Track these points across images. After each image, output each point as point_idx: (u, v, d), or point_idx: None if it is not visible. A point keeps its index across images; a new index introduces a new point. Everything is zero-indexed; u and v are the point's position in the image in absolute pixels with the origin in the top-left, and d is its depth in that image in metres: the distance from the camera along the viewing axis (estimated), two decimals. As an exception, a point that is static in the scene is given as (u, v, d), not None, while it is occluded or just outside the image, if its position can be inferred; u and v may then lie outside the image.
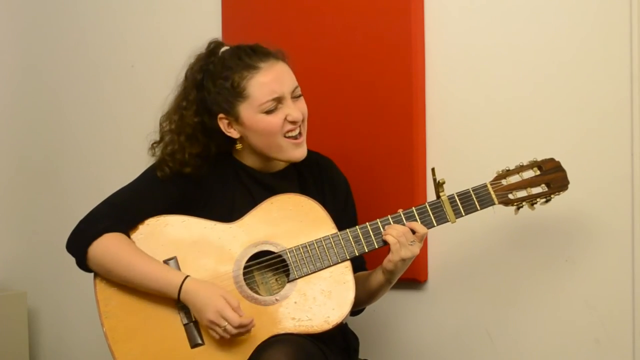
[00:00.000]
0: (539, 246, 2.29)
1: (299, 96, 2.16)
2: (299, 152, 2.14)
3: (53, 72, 3.35)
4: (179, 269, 2.07)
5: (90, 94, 3.24)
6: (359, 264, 2.24)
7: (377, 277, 2.12)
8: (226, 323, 1.97)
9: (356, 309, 2.23)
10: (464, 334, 2.42)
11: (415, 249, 2.04)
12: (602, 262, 2.20)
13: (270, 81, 2.11)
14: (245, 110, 2.11)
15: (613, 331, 2.19)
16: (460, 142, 2.40)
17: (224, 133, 2.15)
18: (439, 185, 2.07)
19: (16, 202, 3.49)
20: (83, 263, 2.08)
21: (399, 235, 2.03)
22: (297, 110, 2.12)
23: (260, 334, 2.01)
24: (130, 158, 3.01)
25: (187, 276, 2.02)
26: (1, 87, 3.51)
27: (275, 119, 2.11)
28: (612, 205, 2.18)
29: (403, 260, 2.04)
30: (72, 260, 2.11)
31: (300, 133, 2.14)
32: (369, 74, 2.49)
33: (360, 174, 2.41)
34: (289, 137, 2.12)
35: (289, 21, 2.64)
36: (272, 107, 2.11)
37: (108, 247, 2.05)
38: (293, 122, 2.12)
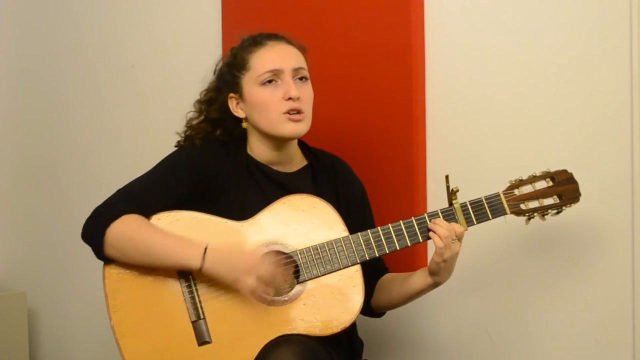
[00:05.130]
0: (539, 246, 2.28)
1: (304, 80, 2.18)
2: (292, 127, 2.13)
3: (53, 72, 3.35)
4: None
5: (90, 94, 3.24)
6: (380, 267, 2.25)
7: (420, 279, 2.12)
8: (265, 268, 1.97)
9: (386, 310, 2.26)
10: (465, 334, 2.42)
11: (456, 248, 2.05)
12: (602, 262, 2.20)
13: (271, 55, 2.16)
14: (247, 84, 2.16)
15: (613, 331, 2.19)
16: (460, 142, 2.40)
17: (233, 115, 2.19)
18: (452, 193, 2.07)
19: (16, 202, 3.49)
20: (100, 248, 2.04)
21: (445, 236, 2.03)
22: (294, 88, 2.13)
23: (269, 334, 2.01)
24: (130, 158, 3.02)
25: (207, 246, 2.00)
26: (1, 87, 3.52)
27: (273, 95, 2.13)
28: (612, 205, 2.18)
29: (445, 260, 2.04)
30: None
31: (299, 112, 2.14)
32: (369, 74, 2.49)
33: (360, 174, 2.40)
34: (286, 114, 2.13)
35: (288, 21, 2.64)
36: (270, 79, 2.14)
37: (127, 227, 2.02)
38: (290, 99, 2.12)
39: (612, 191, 2.18)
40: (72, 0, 3.29)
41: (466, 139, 2.39)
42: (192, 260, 1.99)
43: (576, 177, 2.08)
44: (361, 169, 2.44)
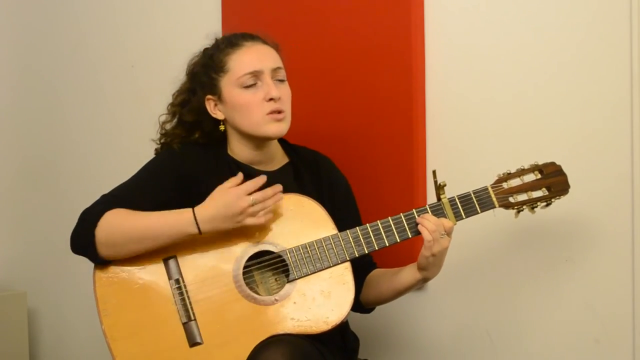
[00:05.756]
0: (539, 246, 2.28)
1: (282, 80, 2.19)
2: (275, 127, 2.14)
3: (53, 72, 3.35)
4: (178, 268, 2.07)
5: (90, 94, 3.25)
6: (368, 262, 2.25)
7: (409, 275, 2.12)
8: (250, 198, 1.99)
9: (375, 306, 2.26)
10: (464, 334, 2.42)
11: (445, 243, 2.04)
12: (602, 262, 2.20)
13: (250, 57, 2.16)
14: (226, 86, 2.16)
15: (613, 331, 2.19)
16: (460, 142, 2.40)
17: (211, 117, 2.19)
18: (439, 188, 2.07)
19: (16, 202, 3.49)
20: (94, 251, 2.05)
21: (433, 230, 2.03)
22: (275, 89, 2.14)
23: (259, 334, 2.01)
24: (130, 158, 3.01)
25: (194, 208, 2.03)
26: (1, 87, 3.52)
27: (254, 97, 2.14)
28: (612, 205, 2.18)
29: (434, 255, 2.04)
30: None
31: (281, 111, 2.15)
32: (369, 74, 2.49)
33: (360, 174, 2.41)
34: (269, 115, 2.14)
35: (288, 21, 2.64)
36: (250, 82, 2.14)
37: (112, 222, 2.04)
38: (271, 100, 2.13)
39: (612, 191, 2.18)
40: (72, 0, 3.29)
41: (466, 139, 2.39)
42: (188, 227, 2.02)
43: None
44: (361, 168, 2.44)
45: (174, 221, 2.03)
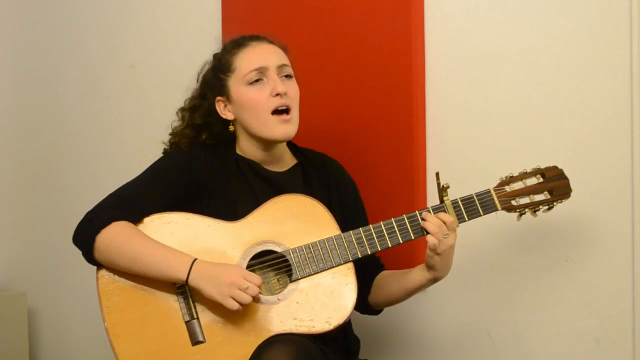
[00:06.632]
0: (539, 247, 2.28)
1: (289, 76, 2.20)
2: (284, 129, 2.15)
3: (53, 72, 3.35)
4: None
5: (90, 94, 3.25)
6: (376, 264, 2.25)
7: (419, 275, 2.12)
8: (248, 284, 1.95)
9: (384, 307, 2.26)
10: (464, 334, 2.42)
11: (450, 240, 2.05)
12: (602, 263, 2.20)
13: (255, 55, 2.19)
14: (233, 85, 2.18)
15: (613, 331, 2.19)
16: (460, 142, 2.40)
17: (220, 119, 2.20)
18: (443, 190, 2.07)
19: (16, 202, 3.49)
20: (90, 254, 2.06)
21: (436, 232, 2.03)
22: (281, 84, 2.15)
23: (262, 334, 2.01)
24: (130, 158, 3.02)
25: (196, 259, 2.01)
26: (1, 87, 3.52)
27: (260, 94, 2.15)
28: (612, 205, 2.18)
29: (439, 254, 2.04)
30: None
31: (288, 109, 2.15)
32: (369, 73, 2.49)
33: (360, 174, 2.41)
34: (276, 114, 2.14)
35: (288, 21, 2.64)
36: (256, 78, 2.15)
37: (116, 235, 2.04)
38: (278, 95, 2.13)
39: (612, 191, 2.18)
40: (72, 0, 3.29)
41: (466, 139, 2.39)
42: (178, 272, 2.00)
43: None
44: (361, 169, 2.44)
45: (172, 260, 2.02)
